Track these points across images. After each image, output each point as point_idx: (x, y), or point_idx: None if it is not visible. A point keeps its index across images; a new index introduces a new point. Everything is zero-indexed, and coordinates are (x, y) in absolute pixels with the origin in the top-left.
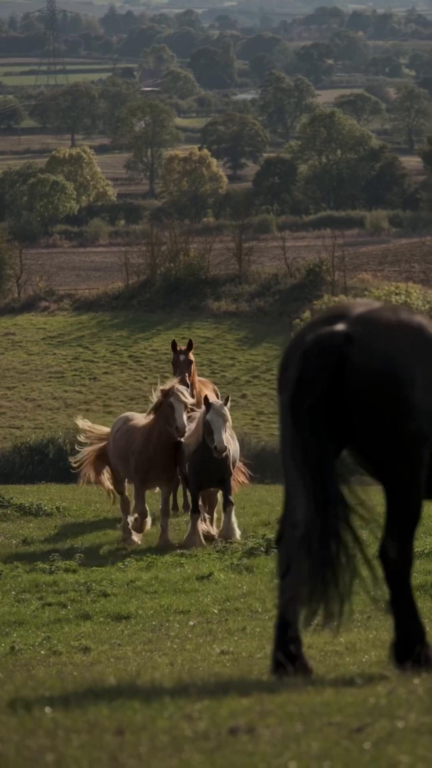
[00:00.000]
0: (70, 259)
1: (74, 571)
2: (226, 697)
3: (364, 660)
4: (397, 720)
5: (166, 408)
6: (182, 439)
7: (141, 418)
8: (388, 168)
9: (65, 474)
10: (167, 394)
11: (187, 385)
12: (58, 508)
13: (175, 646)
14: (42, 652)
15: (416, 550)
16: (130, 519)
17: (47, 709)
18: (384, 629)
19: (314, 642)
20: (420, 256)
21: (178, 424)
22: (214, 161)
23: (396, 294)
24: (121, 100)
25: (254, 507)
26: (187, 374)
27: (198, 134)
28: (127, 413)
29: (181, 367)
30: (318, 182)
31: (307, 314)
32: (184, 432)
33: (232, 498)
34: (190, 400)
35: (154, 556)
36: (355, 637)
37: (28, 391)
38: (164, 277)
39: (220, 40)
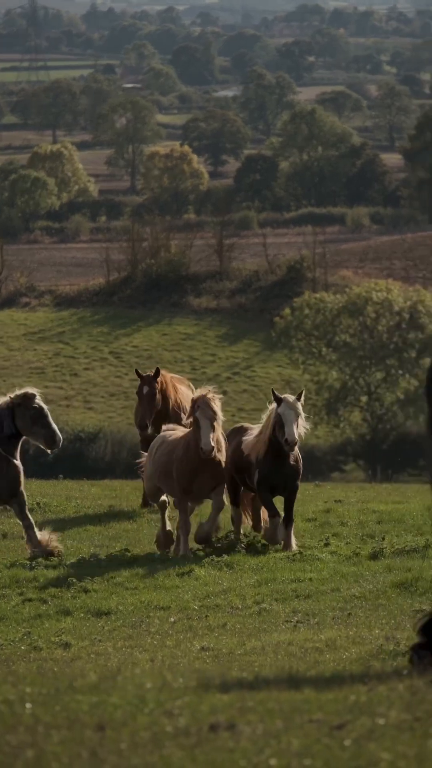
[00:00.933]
0: (51, 255)
1: (54, 567)
2: (206, 694)
3: (344, 657)
4: (377, 717)
5: (194, 422)
6: (245, 450)
7: (180, 431)
8: (369, 165)
9: (45, 469)
10: (194, 406)
11: (145, 427)
12: (38, 503)
13: (155, 642)
14: (22, 647)
15: (398, 547)
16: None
17: (27, 705)
18: (364, 626)
19: (294, 639)
20: (400, 253)
21: (202, 444)
22: (195, 158)
23: (377, 291)
24: (102, 96)
25: None
26: (150, 409)
27: (179, 131)
28: (164, 432)
29: (143, 401)
30: (299, 179)
31: (287, 311)
32: (210, 453)
33: (293, 514)
34: (219, 414)
35: (135, 552)
36: (336, 633)
37: (9, 386)
38: (145, 273)
39: (201, 37)
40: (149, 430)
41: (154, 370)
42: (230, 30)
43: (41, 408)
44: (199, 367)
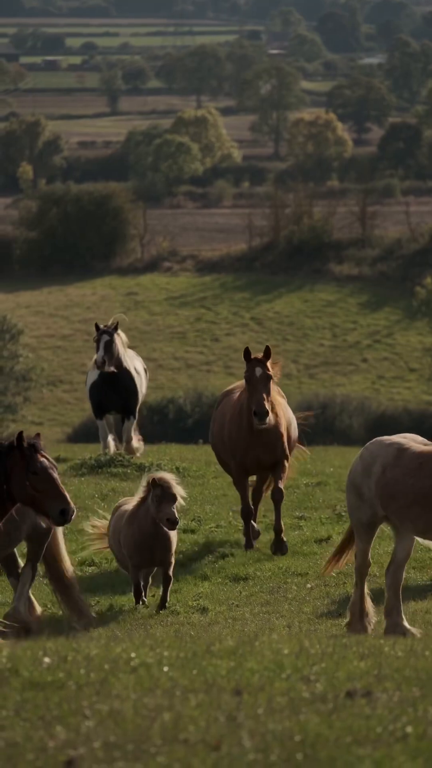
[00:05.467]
0: (194, 220)
1: (193, 532)
2: (343, 661)
3: None
4: None
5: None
6: None
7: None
8: None
9: (185, 434)
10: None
11: (266, 414)
12: (177, 468)
13: (292, 609)
14: (160, 611)
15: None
16: None
17: (165, 668)
18: None
19: (430, 606)
20: None
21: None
22: (339, 125)
23: None
24: (247, 62)
25: None
26: (264, 394)
27: (324, 98)
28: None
29: (257, 386)
30: None
31: (429, 280)
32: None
33: None
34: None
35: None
36: None
37: (150, 351)
38: (287, 239)
39: (347, 4)
40: (268, 421)
41: (263, 351)
42: None
43: None
44: (340, 335)
